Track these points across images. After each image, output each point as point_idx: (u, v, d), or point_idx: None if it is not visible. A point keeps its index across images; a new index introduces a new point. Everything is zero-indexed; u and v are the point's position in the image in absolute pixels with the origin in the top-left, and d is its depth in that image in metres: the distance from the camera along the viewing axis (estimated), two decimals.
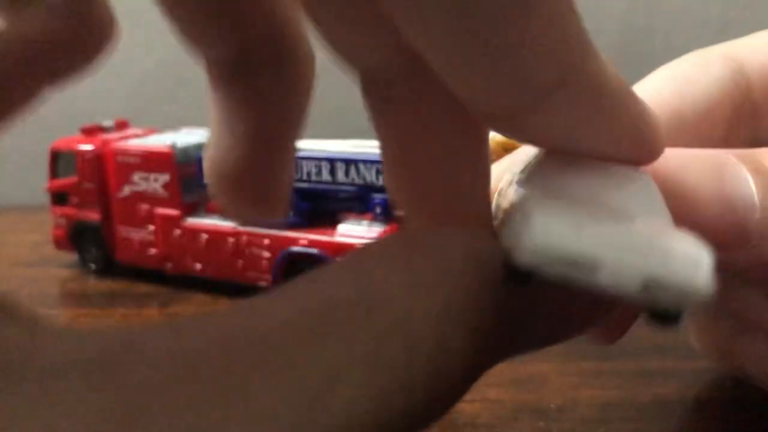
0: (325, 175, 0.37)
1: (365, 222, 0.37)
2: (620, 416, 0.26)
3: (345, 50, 0.16)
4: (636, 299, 0.12)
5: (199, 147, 0.42)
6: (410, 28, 0.12)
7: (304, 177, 0.38)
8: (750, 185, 0.17)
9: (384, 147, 0.17)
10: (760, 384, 0.25)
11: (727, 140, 0.23)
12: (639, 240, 0.13)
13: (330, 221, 0.38)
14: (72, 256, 0.46)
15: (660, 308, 0.13)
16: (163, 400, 0.09)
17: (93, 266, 0.45)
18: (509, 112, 0.13)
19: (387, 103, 0.16)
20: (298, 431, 0.10)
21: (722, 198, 0.17)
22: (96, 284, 0.43)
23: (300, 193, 0.38)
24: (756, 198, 0.17)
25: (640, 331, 0.33)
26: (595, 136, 0.14)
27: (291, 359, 0.10)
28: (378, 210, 0.37)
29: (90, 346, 0.10)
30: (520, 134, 0.14)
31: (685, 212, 0.17)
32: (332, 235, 0.37)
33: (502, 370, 0.30)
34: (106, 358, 0.09)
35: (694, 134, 0.22)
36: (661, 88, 0.22)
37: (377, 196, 0.37)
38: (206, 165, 0.20)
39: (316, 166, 0.37)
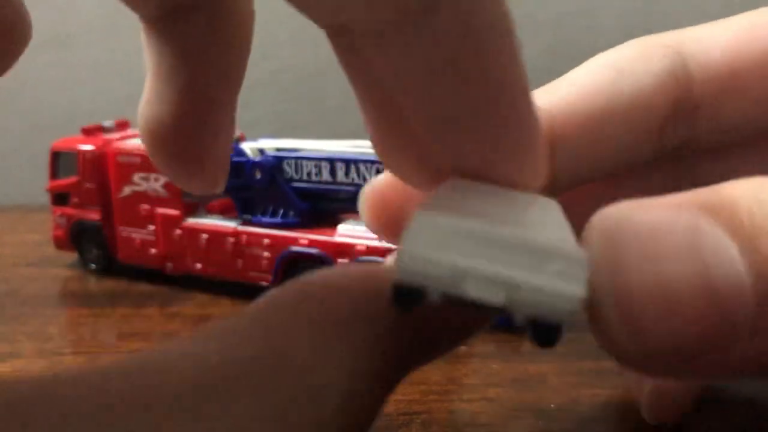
0: (325, 175, 0.37)
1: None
2: (619, 416, 0.26)
3: (307, 11, 0.15)
4: (506, 309, 0.12)
5: None
6: None
7: (304, 177, 0.38)
8: (736, 261, 0.12)
9: (357, 94, 0.16)
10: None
11: (661, 135, 0.20)
12: (507, 250, 0.12)
13: (330, 221, 0.38)
14: (72, 256, 0.46)
15: (533, 321, 0.12)
16: None
17: (93, 266, 0.45)
18: (379, 25, 0.13)
19: (353, 54, 0.15)
20: None
21: (706, 287, 0.12)
22: (96, 284, 0.43)
23: (300, 193, 0.38)
24: (746, 280, 0.12)
25: None
26: (455, 81, 0.13)
27: (199, 416, 0.10)
28: None
29: (3, 394, 0.10)
30: (387, 56, 0.14)
31: (668, 302, 0.12)
32: (332, 235, 0.37)
33: (501, 370, 0.30)
34: (18, 407, 0.10)
35: (625, 124, 0.20)
36: (596, 74, 0.20)
37: None
38: (140, 123, 0.19)
39: (316, 166, 0.37)
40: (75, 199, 0.45)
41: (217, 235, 0.40)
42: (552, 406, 0.26)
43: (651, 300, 0.12)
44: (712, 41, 0.20)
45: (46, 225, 0.48)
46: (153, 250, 0.42)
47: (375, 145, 0.17)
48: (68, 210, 0.45)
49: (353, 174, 0.37)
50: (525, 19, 0.67)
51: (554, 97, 0.20)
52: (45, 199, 0.47)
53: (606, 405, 0.26)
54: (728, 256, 0.12)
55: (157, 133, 0.19)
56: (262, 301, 0.13)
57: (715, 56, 0.20)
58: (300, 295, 0.13)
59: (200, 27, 0.18)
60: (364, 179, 0.37)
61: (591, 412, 0.26)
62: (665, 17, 0.67)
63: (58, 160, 0.45)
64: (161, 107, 0.19)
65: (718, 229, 0.12)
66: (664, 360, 0.13)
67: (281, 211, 0.39)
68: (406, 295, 0.12)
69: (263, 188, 0.39)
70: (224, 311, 0.38)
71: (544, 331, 0.13)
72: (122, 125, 0.48)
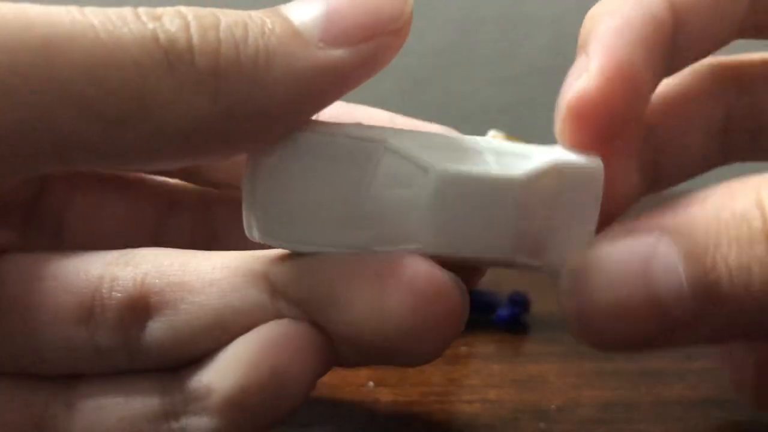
0: None
1: None
2: (621, 417, 0.26)
3: None
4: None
5: None
6: None
7: None
8: (680, 275, 0.15)
9: None
10: None
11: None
12: None
13: None
14: None
15: None
16: None
17: None
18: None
19: None
20: None
21: (652, 301, 0.16)
22: None
23: None
24: (686, 289, 0.15)
25: None
26: None
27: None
28: None
29: None
30: None
31: (618, 317, 0.16)
32: None
33: (502, 371, 0.30)
34: None
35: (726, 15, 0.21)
36: None
37: None
38: None
39: None
40: None
41: None
42: (553, 407, 0.26)
43: (605, 316, 0.16)
44: None
45: None
46: None
47: None
48: None
49: None
50: (525, 18, 0.67)
51: None
52: None
53: (607, 406, 0.26)
54: (675, 274, 0.15)
55: None
56: None
57: None
58: None
59: None
60: None
61: (592, 414, 0.26)
62: None
63: None
64: None
65: (672, 251, 0.15)
66: (620, 349, 0.17)
67: None
68: None
69: None
70: None
71: None
72: None
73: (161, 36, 0.15)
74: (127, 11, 0.15)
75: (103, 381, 0.19)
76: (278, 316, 0.18)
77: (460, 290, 0.17)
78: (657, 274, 0.16)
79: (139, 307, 0.18)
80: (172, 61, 0.14)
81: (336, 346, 0.18)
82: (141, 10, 0.15)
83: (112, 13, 0.15)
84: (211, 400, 0.17)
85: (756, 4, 0.21)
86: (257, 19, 0.15)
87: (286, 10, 0.16)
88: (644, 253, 0.16)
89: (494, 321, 0.34)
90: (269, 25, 0.15)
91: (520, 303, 0.34)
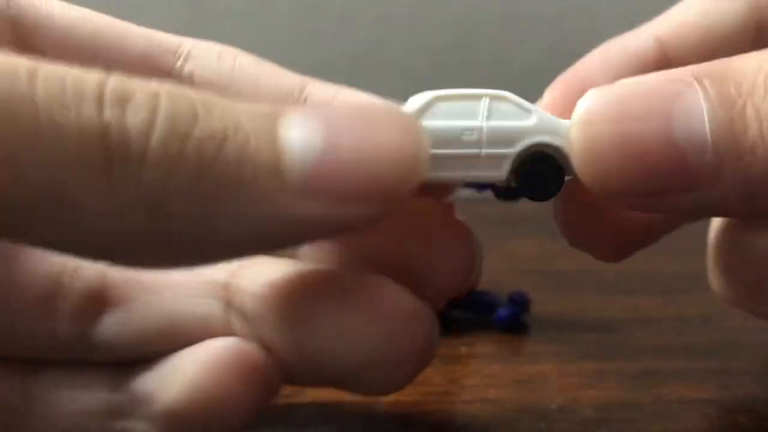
0: None
1: None
2: (621, 417, 0.26)
3: None
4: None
5: None
6: None
7: None
8: (703, 119, 0.14)
9: None
10: None
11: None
12: None
13: None
14: None
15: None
16: None
17: None
18: None
19: None
20: None
21: (667, 141, 0.15)
22: None
23: None
24: (708, 135, 0.14)
25: (642, 332, 0.33)
26: None
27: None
28: None
29: None
30: None
31: (628, 154, 0.15)
32: None
33: (502, 371, 0.30)
34: None
35: (723, 46, 0.21)
36: (689, 8, 0.23)
37: None
38: None
39: None
40: None
41: None
42: (553, 406, 0.26)
43: (615, 150, 0.15)
44: None
45: None
46: None
47: None
48: None
49: None
50: (525, 19, 0.67)
51: (664, 26, 0.23)
52: None
53: (607, 406, 0.26)
54: (696, 113, 0.14)
55: None
56: None
57: None
58: None
59: None
60: None
61: (592, 414, 0.26)
62: None
63: None
64: None
65: (699, 96, 0.15)
66: (628, 198, 0.16)
67: None
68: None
69: None
70: None
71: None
72: None
73: (113, 131, 0.12)
74: (92, 86, 0.12)
75: (61, 371, 0.18)
76: (228, 330, 0.17)
77: (432, 322, 0.17)
78: (678, 116, 0.15)
79: (97, 299, 0.18)
80: (113, 164, 0.12)
81: (290, 368, 0.17)
82: (112, 87, 0.12)
83: (71, 87, 0.12)
84: (151, 409, 0.17)
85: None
86: (242, 134, 0.13)
87: (287, 124, 0.13)
88: (669, 93, 0.15)
89: (494, 321, 0.34)
90: (252, 149, 0.13)
91: (520, 303, 0.34)
